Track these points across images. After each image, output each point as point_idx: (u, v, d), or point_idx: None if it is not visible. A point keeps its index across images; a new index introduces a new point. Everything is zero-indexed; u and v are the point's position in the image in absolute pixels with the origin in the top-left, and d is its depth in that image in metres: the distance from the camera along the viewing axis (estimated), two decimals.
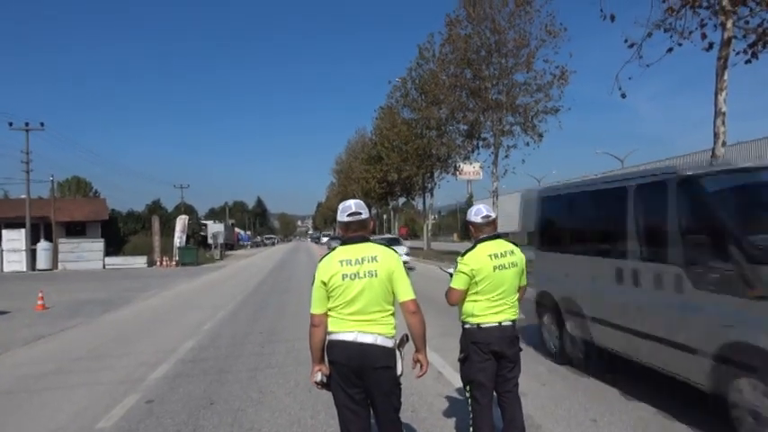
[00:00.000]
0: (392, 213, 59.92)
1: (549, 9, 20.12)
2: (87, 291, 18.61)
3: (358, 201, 3.08)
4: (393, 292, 2.90)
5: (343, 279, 2.84)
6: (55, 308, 13.65)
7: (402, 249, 39.85)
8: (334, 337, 2.88)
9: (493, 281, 3.46)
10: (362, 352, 2.81)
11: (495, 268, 3.48)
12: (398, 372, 2.89)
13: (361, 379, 2.84)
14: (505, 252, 3.57)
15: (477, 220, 3.65)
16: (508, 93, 21.15)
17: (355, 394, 2.87)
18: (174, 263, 35.29)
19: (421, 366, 3.03)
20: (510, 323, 3.54)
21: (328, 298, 2.89)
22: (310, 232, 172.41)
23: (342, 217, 3.00)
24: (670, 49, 11.83)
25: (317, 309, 2.92)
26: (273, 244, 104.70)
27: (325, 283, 2.88)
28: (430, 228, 39.81)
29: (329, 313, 2.91)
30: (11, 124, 34.58)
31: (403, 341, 2.96)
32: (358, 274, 2.84)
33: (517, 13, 20.29)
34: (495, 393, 3.59)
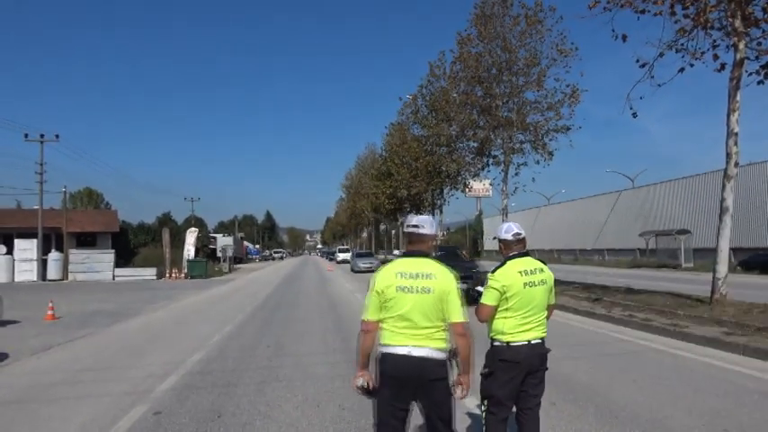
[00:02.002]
0: (401, 229, 59.89)
1: (561, 28, 20.18)
2: (97, 301, 18.69)
3: (424, 217, 3.18)
4: (444, 312, 2.94)
5: (396, 291, 2.92)
6: (64, 318, 13.71)
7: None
8: (387, 350, 2.94)
9: (523, 297, 3.46)
10: (417, 365, 2.87)
11: (525, 285, 3.49)
12: (451, 382, 2.96)
13: (415, 392, 2.90)
14: (535, 269, 3.58)
15: (509, 237, 3.66)
16: (519, 111, 21.17)
17: (401, 409, 2.94)
18: (183, 275, 35.40)
19: (463, 389, 3.04)
20: (539, 341, 3.53)
21: (382, 308, 2.97)
22: (319, 246, 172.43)
23: (406, 228, 3.15)
24: (682, 70, 11.85)
25: (369, 315, 3.00)
26: (282, 258, 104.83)
27: (379, 293, 2.96)
28: (439, 244, 39.70)
29: (383, 325, 2.98)
30: (26, 136, 35.12)
31: (456, 352, 3.00)
32: (412, 288, 2.92)
33: (528, 32, 20.37)
34: (514, 409, 3.58)
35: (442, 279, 2.95)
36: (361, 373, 3.01)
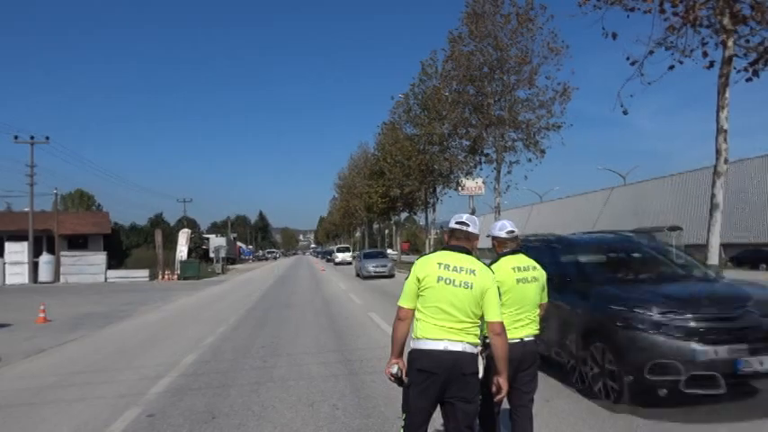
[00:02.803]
0: (394, 228, 59.95)
1: (551, 26, 20.31)
2: (89, 304, 18.58)
3: (472, 216, 3.19)
4: (482, 309, 2.97)
5: (437, 281, 2.92)
6: (56, 321, 13.62)
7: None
8: (422, 345, 2.92)
9: (515, 294, 3.50)
10: (453, 360, 2.87)
11: (517, 281, 3.54)
12: (480, 376, 2.99)
13: (447, 386, 2.89)
14: (528, 266, 3.64)
15: (503, 234, 3.71)
16: (510, 109, 21.25)
17: (434, 400, 2.93)
18: (175, 276, 35.26)
19: (499, 390, 3.08)
20: (531, 338, 3.57)
21: (419, 297, 2.96)
22: (313, 246, 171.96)
23: (451, 223, 3.15)
24: (671, 67, 11.91)
25: (405, 302, 3.00)
26: (275, 258, 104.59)
27: (419, 280, 2.96)
28: (432, 243, 39.77)
29: (418, 315, 2.97)
30: (16, 137, 34.86)
31: (484, 348, 3.05)
32: (453, 281, 2.92)
33: (519, 31, 20.46)
34: (507, 406, 3.61)
35: (484, 276, 2.97)
36: (396, 361, 3.01)
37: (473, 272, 2.95)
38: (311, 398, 5.87)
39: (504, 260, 3.63)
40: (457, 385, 2.89)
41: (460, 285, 2.91)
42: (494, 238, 3.78)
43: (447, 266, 2.95)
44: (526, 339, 3.52)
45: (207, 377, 7.03)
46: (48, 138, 35.96)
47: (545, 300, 3.78)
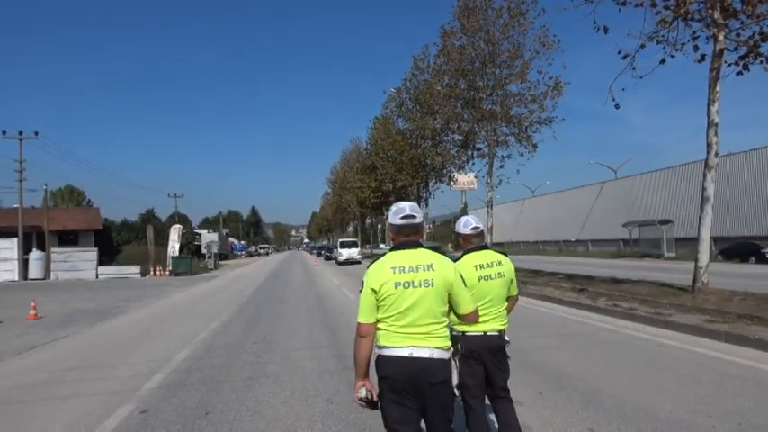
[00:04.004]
0: (386, 223, 59.93)
1: (543, 21, 20.32)
2: (80, 300, 18.48)
3: (412, 203, 2.89)
4: (451, 303, 2.79)
5: (395, 287, 2.66)
6: (47, 317, 13.54)
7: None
8: (386, 352, 2.69)
9: (478, 291, 3.51)
10: (420, 367, 2.63)
11: (479, 279, 3.56)
12: (454, 382, 2.79)
13: (417, 395, 2.65)
14: (492, 263, 3.65)
15: (467, 231, 3.71)
16: (502, 103, 21.25)
17: (411, 410, 2.67)
18: (167, 272, 35.12)
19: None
20: (495, 333, 3.60)
21: (378, 307, 2.70)
22: (306, 241, 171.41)
23: (394, 219, 2.82)
24: (663, 61, 11.97)
25: (365, 318, 2.71)
26: (268, 254, 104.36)
27: (375, 291, 2.69)
28: (425, 237, 39.79)
29: (379, 325, 2.71)
30: (4, 133, 34.56)
31: (457, 350, 2.92)
32: (412, 282, 2.67)
33: (511, 25, 20.46)
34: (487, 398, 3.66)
35: (444, 269, 2.73)
36: (362, 383, 2.73)
37: (430, 267, 2.70)
38: (305, 393, 5.87)
39: (467, 258, 3.63)
40: (426, 394, 2.65)
41: (420, 285, 2.66)
42: (458, 234, 3.78)
43: (402, 269, 2.68)
44: (489, 333, 3.55)
45: (200, 373, 7.01)
46: (36, 133, 35.72)
47: (514, 292, 3.81)
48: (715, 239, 26.84)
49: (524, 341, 7.86)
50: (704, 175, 11.62)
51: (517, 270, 4.00)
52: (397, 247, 2.80)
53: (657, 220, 38.66)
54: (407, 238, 2.80)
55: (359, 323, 2.73)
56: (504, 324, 3.67)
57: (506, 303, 3.74)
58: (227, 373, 6.94)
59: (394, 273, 2.68)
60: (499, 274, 3.64)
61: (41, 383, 6.84)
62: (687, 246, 29.90)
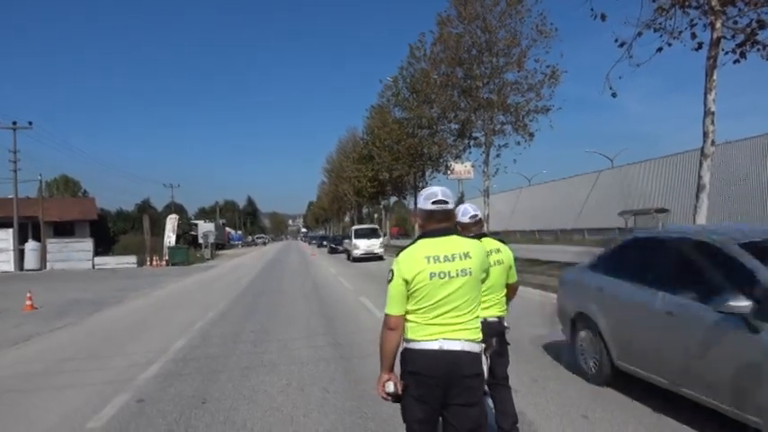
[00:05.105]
0: (384, 213, 59.95)
1: (540, 9, 20.19)
2: (76, 291, 18.46)
3: (444, 188, 2.68)
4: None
5: (430, 278, 2.48)
6: (44, 308, 13.53)
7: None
8: (413, 345, 2.53)
9: None
10: (450, 361, 2.47)
11: None
12: (485, 377, 2.66)
13: (447, 391, 2.48)
14: (491, 251, 3.65)
15: (465, 219, 3.70)
16: (499, 92, 21.17)
17: (433, 408, 2.52)
18: (164, 262, 35.11)
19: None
20: (495, 319, 3.63)
21: (408, 299, 2.52)
22: (303, 230, 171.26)
23: (425, 204, 2.62)
24: (660, 49, 11.91)
25: (394, 309, 2.53)
26: (264, 243, 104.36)
27: (407, 282, 2.50)
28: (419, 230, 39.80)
29: (408, 317, 2.54)
30: None
31: (490, 345, 2.82)
32: (449, 273, 2.49)
33: (508, 13, 20.33)
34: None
35: (480, 255, 2.59)
36: (388, 377, 2.58)
37: (467, 255, 2.53)
38: (302, 382, 5.89)
39: None
40: (457, 389, 2.47)
41: (458, 275, 2.49)
42: (457, 223, 3.78)
43: (437, 258, 2.49)
44: (489, 320, 3.56)
45: (197, 362, 7.02)
46: (31, 123, 35.49)
47: (513, 279, 3.83)
48: None
49: (520, 329, 7.87)
50: (700, 164, 11.62)
51: (516, 259, 4.01)
52: (427, 234, 2.61)
53: (653, 208, 38.78)
54: (439, 224, 2.60)
55: (387, 315, 2.55)
56: (503, 310, 3.71)
57: (505, 290, 3.76)
58: (224, 363, 6.95)
59: (428, 262, 2.49)
60: (498, 261, 3.66)
61: (38, 374, 6.84)
62: None
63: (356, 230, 32.55)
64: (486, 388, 3.49)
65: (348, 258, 31.84)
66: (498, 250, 3.71)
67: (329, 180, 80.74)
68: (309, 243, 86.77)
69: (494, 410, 3.73)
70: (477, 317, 2.62)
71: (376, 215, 63.92)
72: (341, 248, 40.48)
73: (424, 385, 2.49)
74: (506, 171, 23.15)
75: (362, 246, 30.30)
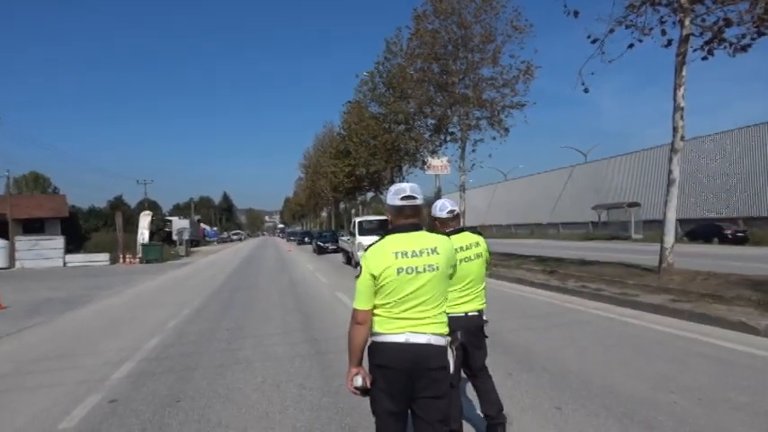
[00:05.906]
0: (360, 208, 59.91)
1: (515, 5, 20.36)
2: (47, 289, 18.06)
3: (413, 184, 2.75)
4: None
5: (398, 273, 2.52)
6: (12, 307, 13.20)
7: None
8: (380, 338, 2.57)
9: (460, 273, 3.53)
10: (416, 354, 2.52)
11: (461, 261, 3.57)
12: (451, 371, 2.68)
13: (413, 384, 2.54)
14: (470, 245, 3.70)
15: (443, 215, 3.72)
16: (475, 87, 21.27)
17: (401, 400, 2.57)
18: (137, 260, 34.53)
19: None
20: (476, 313, 3.68)
21: (376, 293, 2.57)
22: (280, 226, 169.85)
23: (393, 200, 2.67)
24: (631, 45, 12.12)
25: (362, 304, 2.57)
26: (241, 240, 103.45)
27: (375, 277, 2.54)
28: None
29: (375, 311, 2.59)
30: None
31: (455, 338, 2.83)
32: (417, 268, 2.54)
33: (483, 8, 20.42)
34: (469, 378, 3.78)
35: (447, 250, 2.64)
36: (356, 371, 2.63)
37: (435, 250, 2.58)
38: (277, 378, 5.86)
39: None
40: (423, 381, 2.53)
41: (425, 270, 2.54)
42: (435, 218, 3.80)
43: (405, 254, 2.54)
44: (470, 314, 3.63)
45: (171, 361, 6.94)
46: None
47: (488, 272, 3.92)
48: (680, 221, 27.53)
49: (495, 323, 7.96)
50: (670, 159, 11.87)
51: (491, 254, 4.05)
52: (396, 229, 2.65)
53: (626, 202, 39.47)
54: (407, 220, 2.65)
55: (355, 309, 2.60)
56: (483, 304, 3.76)
57: (484, 283, 3.80)
58: (199, 361, 6.88)
59: (396, 258, 2.54)
60: (478, 255, 3.71)
61: (7, 374, 6.68)
62: (655, 227, 30.64)
63: (361, 223, 23.05)
64: (452, 381, 3.55)
65: (348, 262, 23.85)
66: (477, 244, 3.74)
67: (306, 176, 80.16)
68: (288, 240, 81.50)
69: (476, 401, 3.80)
70: (444, 311, 2.66)
71: (353, 210, 63.81)
72: (332, 248, 34.63)
73: (390, 378, 2.54)
74: (482, 166, 23.41)
75: (366, 243, 21.47)
